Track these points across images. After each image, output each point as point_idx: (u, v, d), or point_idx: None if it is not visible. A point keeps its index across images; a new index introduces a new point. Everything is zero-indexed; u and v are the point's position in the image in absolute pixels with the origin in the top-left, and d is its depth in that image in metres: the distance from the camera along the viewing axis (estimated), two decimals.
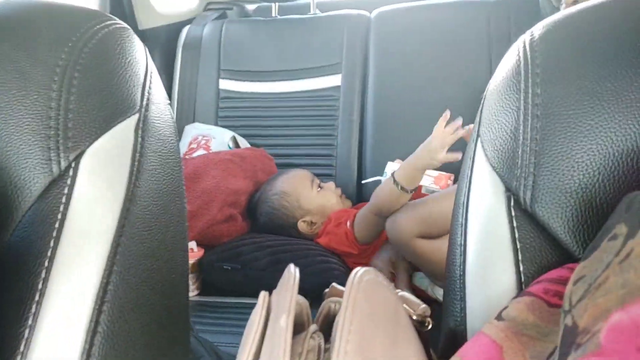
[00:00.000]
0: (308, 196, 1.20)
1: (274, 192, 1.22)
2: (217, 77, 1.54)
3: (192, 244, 1.16)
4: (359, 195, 1.41)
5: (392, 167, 1.23)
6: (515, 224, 0.33)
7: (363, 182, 1.31)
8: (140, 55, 0.44)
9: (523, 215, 0.34)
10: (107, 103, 0.38)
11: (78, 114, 0.37)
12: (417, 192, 1.17)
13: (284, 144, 1.47)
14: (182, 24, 1.62)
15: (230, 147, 1.43)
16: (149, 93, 0.42)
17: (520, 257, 0.33)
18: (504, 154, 0.35)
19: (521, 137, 0.34)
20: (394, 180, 1.01)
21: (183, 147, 1.45)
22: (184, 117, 1.54)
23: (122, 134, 0.38)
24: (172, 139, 0.45)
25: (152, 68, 0.45)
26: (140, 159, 0.39)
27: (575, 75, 0.34)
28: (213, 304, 1.12)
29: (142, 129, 0.40)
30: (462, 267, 0.36)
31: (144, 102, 0.41)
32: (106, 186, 0.36)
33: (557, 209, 0.33)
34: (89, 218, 0.35)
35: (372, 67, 1.43)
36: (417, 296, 0.36)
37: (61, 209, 0.35)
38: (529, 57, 0.36)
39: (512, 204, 0.34)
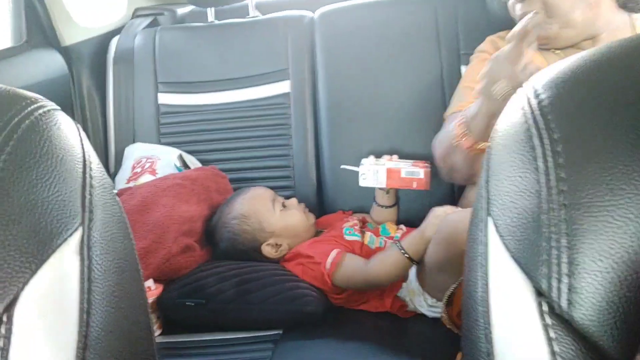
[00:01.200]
0: (271, 217, 1.13)
1: (232, 215, 1.14)
2: (155, 91, 1.43)
3: (150, 282, 1.07)
4: (320, 205, 1.35)
5: (367, 162, 1.19)
6: (552, 335, 0.29)
7: (342, 166, 1.24)
8: (75, 143, 0.36)
9: (559, 322, 0.29)
10: (40, 225, 0.30)
11: (3, 248, 0.29)
12: (397, 177, 1.14)
13: (236, 157, 1.38)
14: (110, 35, 1.49)
15: (178, 168, 1.33)
16: (90, 194, 0.34)
17: None
18: (528, 248, 0.30)
19: (546, 230, 0.30)
20: (402, 251, 1.00)
21: (126, 172, 1.33)
22: (123, 138, 1.42)
23: (63, 261, 0.30)
24: (124, 234, 0.37)
25: (90, 153, 0.37)
26: (91, 285, 0.31)
27: (605, 153, 0.29)
28: (178, 345, 1.04)
29: (88, 245, 0.32)
30: None
31: (87, 211, 0.33)
32: (52, 336, 0.29)
33: (599, 314, 0.28)
34: None
35: (321, 70, 1.36)
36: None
37: None
38: (543, 129, 0.31)
39: (544, 309, 0.29)
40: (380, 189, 1.21)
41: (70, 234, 0.31)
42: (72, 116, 1.41)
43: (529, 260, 0.30)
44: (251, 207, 1.14)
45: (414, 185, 1.13)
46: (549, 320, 0.29)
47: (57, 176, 0.32)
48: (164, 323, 1.09)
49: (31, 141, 0.32)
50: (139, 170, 1.31)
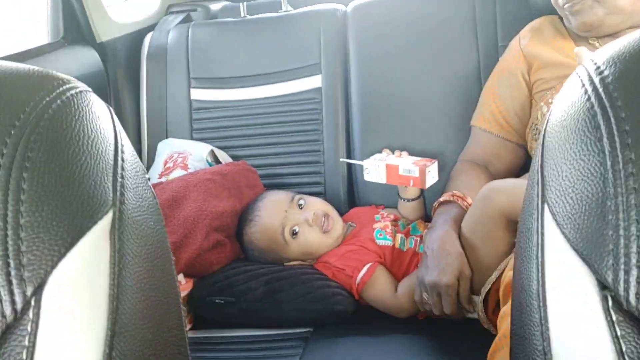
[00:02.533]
0: (286, 250, 1.10)
1: (252, 247, 1.12)
2: (188, 86, 1.43)
3: (180, 277, 1.07)
4: (350, 201, 1.33)
5: (376, 156, 1.18)
6: (618, 332, 0.26)
7: (341, 159, 1.26)
8: (107, 126, 0.34)
9: (627, 319, 0.26)
10: (70, 207, 0.29)
11: (32, 230, 0.27)
12: (395, 173, 1.12)
13: (266, 153, 1.37)
14: (144, 31, 1.50)
15: (209, 163, 1.33)
16: (122, 177, 0.33)
17: None
18: (591, 237, 0.28)
19: (613, 217, 0.27)
20: None
21: (158, 167, 1.34)
22: (156, 133, 1.43)
23: (93, 245, 0.29)
24: (155, 220, 0.36)
25: (122, 136, 0.36)
26: (121, 271, 0.30)
27: None
28: (207, 341, 1.04)
29: (119, 229, 0.31)
30: None
31: (118, 192, 0.32)
32: (81, 322, 0.28)
33: None
34: None
35: (353, 65, 1.34)
36: None
37: None
38: (608, 107, 0.28)
39: (610, 304, 0.27)
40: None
41: (101, 217, 0.30)
42: None
43: (593, 251, 0.27)
44: (265, 242, 1.10)
45: (411, 183, 1.12)
46: (615, 317, 0.26)
47: (88, 157, 0.31)
48: (195, 318, 1.09)
49: (62, 121, 0.31)
50: (171, 165, 1.31)
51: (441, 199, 1.04)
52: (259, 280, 1.04)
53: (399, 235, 1.12)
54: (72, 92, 0.34)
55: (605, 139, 0.28)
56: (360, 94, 1.33)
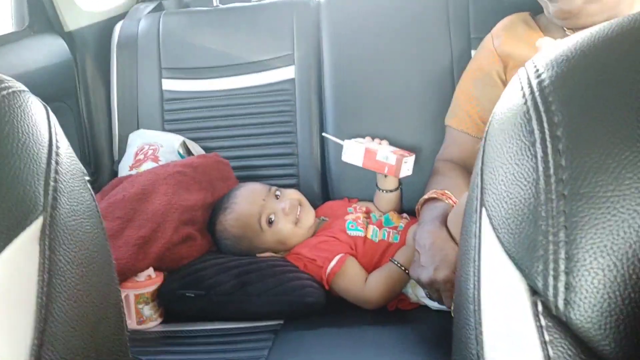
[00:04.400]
0: (260, 237, 1.10)
1: (225, 235, 1.12)
2: (159, 76, 1.41)
3: (150, 271, 1.06)
4: (324, 194, 1.33)
5: (356, 139, 1.20)
6: (546, 338, 0.26)
7: (324, 134, 1.26)
8: (41, 127, 0.33)
9: (555, 324, 0.26)
10: None
11: None
12: (373, 158, 1.13)
13: (240, 144, 1.36)
14: (114, 20, 1.47)
15: (180, 155, 1.31)
16: (55, 180, 0.32)
17: None
18: (523, 242, 0.28)
19: (543, 223, 0.27)
20: (399, 265, 1.01)
21: (129, 159, 1.32)
22: (127, 124, 1.41)
23: (21, 251, 0.28)
24: (93, 223, 0.35)
25: (59, 138, 0.35)
26: (51, 278, 0.29)
27: (610, 139, 0.26)
28: (177, 334, 1.03)
29: (50, 235, 0.30)
30: None
31: (50, 196, 0.31)
32: (4, 331, 0.27)
33: (597, 314, 0.26)
34: None
35: (327, 57, 1.33)
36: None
37: None
38: (542, 111, 0.28)
39: (539, 310, 0.27)
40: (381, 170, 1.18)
41: (30, 223, 0.29)
42: (77, 102, 1.41)
43: (524, 256, 0.27)
44: (240, 229, 1.10)
45: (385, 170, 1.13)
46: (544, 322, 0.26)
47: (17, 161, 0.30)
48: (165, 312, 1.09)
49: None
50: (141, 157, 1.29)
51: (426, 197, 1.04)
52: (229, 274, 1.03)
53: (371, 227, 1.12)
54: (5, 92, 0.33)
55: (538, 144, 0.28)
56: (333, 86, 1.32)
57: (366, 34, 1.31)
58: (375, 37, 1.30)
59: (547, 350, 0.26)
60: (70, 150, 0.35)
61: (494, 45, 1.12)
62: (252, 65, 1.36)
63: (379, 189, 1.21)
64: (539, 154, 0.28)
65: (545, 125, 0.28)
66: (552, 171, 0.27)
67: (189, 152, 1.32)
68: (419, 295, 1.02)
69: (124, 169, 1.32)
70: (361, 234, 1.10)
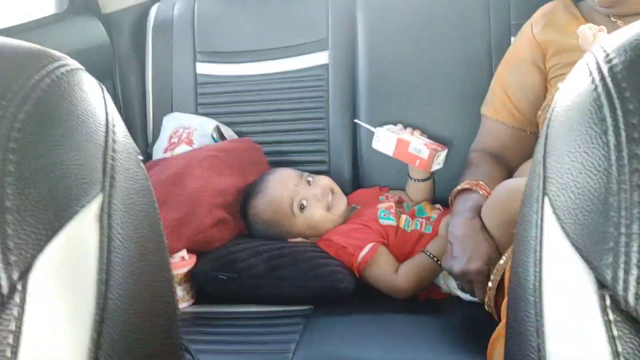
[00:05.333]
0: (292, 222, 1.10)
1: (257, 220, 1.13)
2: (194, 60, 1.41)
3: (183, 252, 1.07)
4: (355, 181, 1.32)
5: (388, 127, 1.18)
6: (615, 333, 0.25)
7: (356, 120, 1.24)
8: (98, 106, 0.34)
9: (624, 319, 0.25)
10: (58, 190, 0.28)
11: (19, 213, 0.27)
12: (404, 149, 1.12)
13: (272, 130, 1.36)
14: (150, 3, 1.47)
15: (214, 139, 1.32)
16: (112, 159, 0.32)
17: None
18: (591, 233, 0.27)
19: (615, 214, 0.26)
20: (431, 255, 1.01)
21: (163, 142, 1.34)
22: (161, 107, 1.42)
23: (81, 229, 0.29)
24: (148, 202, 0.35)
25: (114, 117, 0.35)
26: (110, 255, 0.30)
27: None
28: (210, 315, 1.05)
29: (108, 213, 0.30)
30: None
31: (108, 175, 0.31)
32: (68, 307, 0.27)
33: None
34: (49, 353, 0.27)
35: (362, 43, 1.31)
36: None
37: (8, 353, 0.26)
38: (615, 98, 0.27)
39: (607, 303, 0.26)
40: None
41: (90, 200, 0.29)
42: (113, 85, 1.42)
43: (592, 248, 0.26)
44: (271, 214, 1.11)
45: (417, 163, 1.11)
46: (612, 316, 0.26)
47: (77, 139, 0.30)
48: (197, 293, 1.10)
49: (51, 101, 0.30)
50: (175, 140, 1.31)
51: (460, 187, 1.02)
52: (261, 257, 1.04)
53: (403, 216, 1.11)
54: (63, 69, 0.33)
55: (610, 132, 0.27)
56: (367, 72, 1.30)
57: (402, 20, 1.28)
58: (412, 22, 1.28)
59: (615, 345, 0.25)
60: (125, 129, 0.35)
61: (533, 32, 1.09)
62: (286, 50, 1.36)
63: (411, 178, 1.20)
64: (612, 142, 0.26)
65: (619, 112, 0.27)
66: (626, 161, 0.26)
67: (222, 136, 1.33)
68: (451, 286, 1.01)
69: (158, 152, 1.33)
70: (393, 223, 1.09)
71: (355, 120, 1.24)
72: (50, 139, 0.29)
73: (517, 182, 0.90)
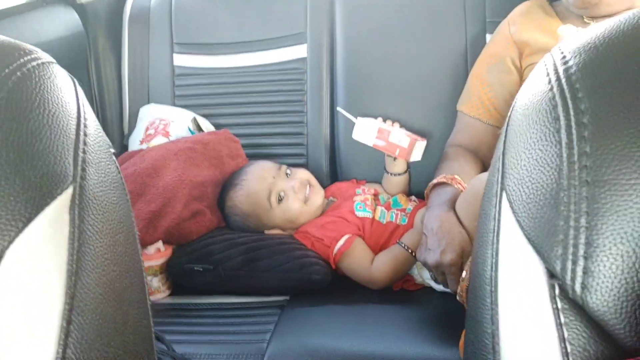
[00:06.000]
0: (269, 215, 1.11)
1: (235, 212, 1.13)
2: (171, 52, 1.40)
3: (159, 244, 1.07)
4: (332, 175, 1.33)
5: (373, 120, 1.18)
6: (562, 320, 0.27)
7: (338, 108, 1.24)
8: (70, 99, 0.34)
9: (571, 307, 0.27)
10: (29, 182, 0.29)
11: None
12: (385, 138, 1.12)
13: (250, 122, 1.36)
14: None
15: (191, 131, 1.32)
16: (84, 152, 0.32)
17: None
18: (543, 226, 0.28)
19: (565, 208, 0.27)
20: (406, 247, 1.02)
21: (139, 133, 1.33)
22: (137, 98, 1.41)
23: (52, 220, 0.29)
24: (119, 195, 0.36)
25: (86, 110, 0.35)
26: (80, 247, 0.30)
27: (636, 127, 0.27)
28: (185, 307, 1.05)
29: (80, 205, 0.31)
30: None
31: (79, 167, 0.32)
32: (37, 296, 0.28)
33: (613, 299, 0.26)
34: (19, 346, 0.27)
35: (340, 36, 1.32)
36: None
37: None
38: (568, 98, 0.29)
39: (556, 292, 0.27)
40: (385, 151, 1.17)
41: (61, 192, 0.30)
42: (88, 76, 1.40)
43: (544, 240, 0.28)
44: (249, 206, 1.12)
45: (397, 153, 1.12)
46: (560, 304, 0.27)
47: (49, 132, 0.31)
48: (173, 285, 1.11)
49: (23, 94, 0.31)
50: (152, 132, 1.30)
51: (435, 181, 1.04)
52: (238, 249, 1.04)
53: (379, 208, 1.13)
54: (34, 63, 0.33)
55: (563, 130, 0.28)
56: (345, 66, 1.31)
57: (380, 15, 1.29)
58: (390, 17, 1.29)
59: (562, 331, 0.27)
60: (97, 122, 0.36)
61: (510, 31, 1.11)
62: (264, 43, 1.36)
63: (388, 173, 1.22)
64: (564, 140, 0.28)
65: (572, 112, 0.28)
66: (576, 158, 0.27)
67: (199, 128, 1.32)
68: (424, 276, 1.03)
69: (134, 143, 1.32)
70: (369, 215, 1.11)
71: (338, 109, 1.24)
72: (22, 132, 0.29)
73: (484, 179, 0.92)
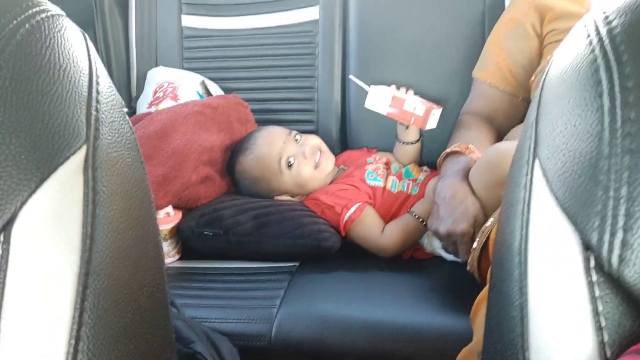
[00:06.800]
0: (279, 180, 1.10)
1: (244, 176, 1.12)
2: (179, 12, 1.37)
3: (169, 209, 1.07)
4: (342, 142, 1.32)
5: (386, 87, 1.14)
6: (597, 293, 0.26)
7: (350, 76, 1.21)
8: (81, 54, 0.32)
9: (606, 280, 0.26)
10: (41, 141, 0.27)
11: (0, 164, 0.26)
12: (399, 107, 1.09)
13: (259, 87, 1.34)
14: None
15: (199, 94, 1.30)
16: (97, 110, 0.31)
17: (605, 338, 0.26)
18: (580, 196, 0.27)
19: (604, 177, 0.26)
20: (416, 216, 1.01)
21: (147, 96, 1.31)
22: (145, 60, 1.38)
23: (65, 181, 0.28)
24: (133, 156, 0.35)
25: (98, 66, 0.34)
26: (95, 209, 0.29)
27: None
28: (195, 271, 1.05)
29: (93, 166, 0.30)
30: (522, 338, 0.28)
31: (92, 126, 0.30)
32: (53, 259, 0.27)
33: None
34: (34, 309, 0.26)
35: None
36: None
37: None
38: (612, 61, 0.27)
39: (591, 265, 0.26)
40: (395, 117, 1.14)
41: (74, 152, 0.28)
42: (94, 35, 1.38)
43: (580, 210, 0.27)
44: (259, 170, 1.10)
45: (412, 121, 1.09)
46: (595, 277, 0.26)
47: (60, 88, 0.29)
48: (183, 249, 1.11)
49: (31, 48, 0.29)
50: (160, 94, 1.28)
51: (449, 150, 1.02)
52: (248, 215, 1.04)
53: (390, 178, 1.12)
54: (43, 15, 0.31)
55: (605, 95, 0.26)
56: (358, 30, 1.28)
57: None
58: None
59: (596, 305, 0.26)
60: (109, 80, 0.34)
61: None
62: (275, 4, 1.32)
63: (399, 141, 1.20)
64: (606, 105, 0.26)
65: (615, 75, 0.26)
66: (619, 124, 0.26)
67: (207, 92, 1.30)
68: (434, 245, 1.03)
69: (142, 106, 1.31)
70: (380, 184, 1.10)
71: (350, 77, 1.21)
72: (32, 87, 0.28)
73: (507, 145, 0.90)
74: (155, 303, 0.33)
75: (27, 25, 0.30)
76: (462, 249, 0.88)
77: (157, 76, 1.33)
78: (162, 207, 1.05)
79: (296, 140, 1.12)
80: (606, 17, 0.29)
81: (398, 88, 1.17)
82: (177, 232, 1.07)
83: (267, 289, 0.96)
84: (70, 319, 0.27)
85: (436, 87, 1.22)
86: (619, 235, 0.25)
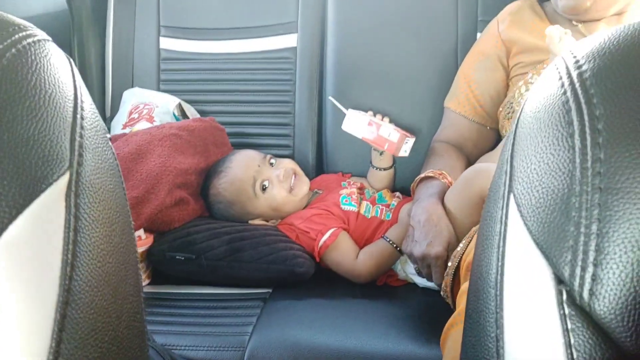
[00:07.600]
0: (253, 203, 1.10)
1: (218, 199, 1.12)
2: (157, 34, 1.37)
3: (140, 232, 1.05)
4: (318, 167, 1.33)
5: (363, 113, 1.17)
6: (569, 326, 0.27)
7: (330, 97, 1.23)
8: (66, 79, 0.32)
9: (578, 313, 0.27)
10: (24, 166, 0.27)
11: None
12: (375, 131, 1.11)
13: (236, 111, 1.34)
14: None
15: (175, 117, 1.29)
16: (81, 136, 0.31)
17: None
18: (552, 231, 0.28)
19: (576, 214, 0.27)
20: (390, 242, 1.02)
21: (122, 117, 1.30)
22: (121, 81, 1.38)
23: (47, 207, 0.28)
24: (115, 182, 0.35)
25: (83, 92, 0.34)
26: (76, 236, 0.29)
27: None
28: (166, 296, 1.03)
29: (76, 192, 0.29)
30: None
31: (76, 152, 0.30)
32: (31, 287, 0.27)
33: (621, 307, 0.26)
34: (11, 338, 0.26)
35: (331, 27, 1.31)
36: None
37: None
38: (583, 103, 0.28)
39: (564, 298, 0.27)
40: (374, 142, 1.15)
41: (57, 178, 0.28)
42: (70, 55, 1.36)
43: (553, 245, 0.28)
44: (233, 193, 1.10)
45: (385, 147, 1.11)
46: (567, 310, 0.27)
47: (45, 113, 0.29)
48: (153, 274, 1.09)
49: (17, 73, 0.29)
50: (136, 116, 1.27)
51: (423, 175, 1.04)
52: (221, 239, 1.03)
53: (364, 203, 1.13)
54: (30, 40, 0.31)
55: (576, 136, 0.28)
56: (336, 58, 1.30)
57: (373, 8, 1.29)
58: (382, 11, 1.28)
59: (568, 337, 0.27)
60: (94, 105, 0.34)
61: (499, 29, 1.12)
62: (254, 30, 1.34)
63: (373, 167, 1.22)
64: (577, 145, 0.28)
65: (586, 117, 0.28)
66: (589, 164, 0.27)
67: (184, 115, 1.30)
68: (407, 271, 1.04)
69: (116, 127, 1.29)
70: (354, 209, 1.11)
71: (330, 98, 1.23)
72: (16, 113, 0.28)
73: (484, 165, 0.93)
74: (132, 332, 0.33)
75: (13, 50, 0.30)
76: (436, 272, 0.89)
77: (133, 97, 1.33)
78: (134, 230, 1.03)
79: (271, 164, 1.13)
80: (577, 61, 0.31)
81: (374, 115, 1.19)
82: (148, 256, 1.05)
83: (240, 315, 0.95)
84: (47, 349, 0.26)
85: (410, 115, 1.25)
86: (590, 269, 0.26)
